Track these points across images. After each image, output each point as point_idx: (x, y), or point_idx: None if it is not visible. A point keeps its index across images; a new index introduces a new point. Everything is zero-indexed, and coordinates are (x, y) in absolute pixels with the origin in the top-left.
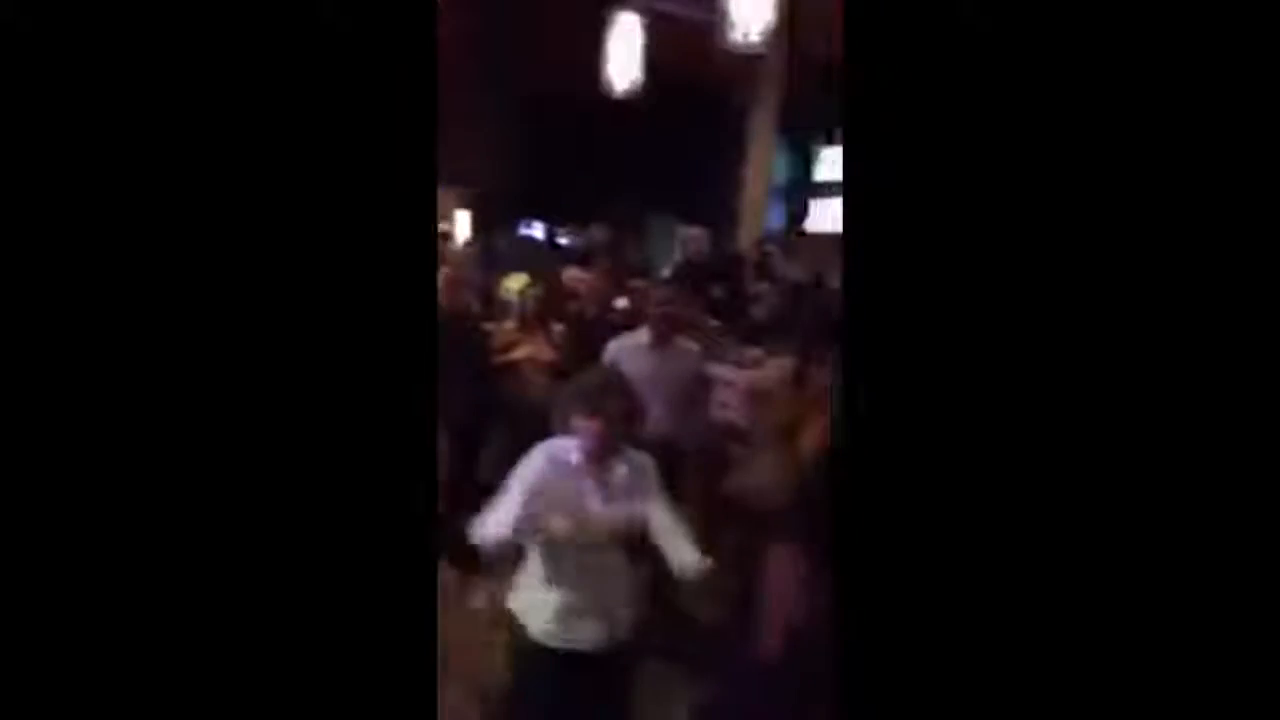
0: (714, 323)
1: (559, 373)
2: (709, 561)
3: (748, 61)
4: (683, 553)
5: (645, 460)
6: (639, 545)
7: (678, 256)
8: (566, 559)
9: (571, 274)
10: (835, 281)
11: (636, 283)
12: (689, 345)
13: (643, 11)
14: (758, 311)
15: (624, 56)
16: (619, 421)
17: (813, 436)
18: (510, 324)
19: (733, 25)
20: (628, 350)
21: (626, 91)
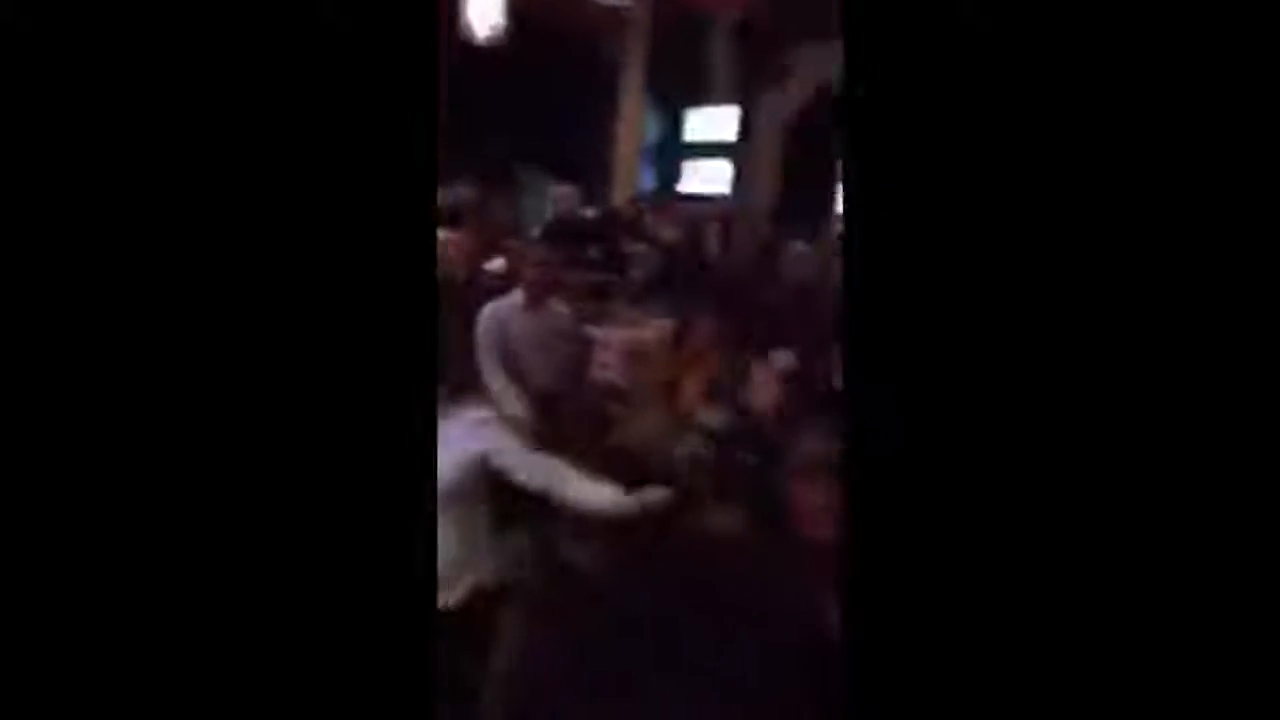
0: (591, 279)
1: None
2: (615, 497)
3: (614, 13)
4: (585, 490)
5: (485, 418)
6: (500, 502)
7: (549, 215)
8: None
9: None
10: (710, 242)
11: (508, 243)
12: (563, 307)
13: None
14: (634, 273)
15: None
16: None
17: (691, 396)
18: None
19: None
20: (503, 313)
21: (488, 38)
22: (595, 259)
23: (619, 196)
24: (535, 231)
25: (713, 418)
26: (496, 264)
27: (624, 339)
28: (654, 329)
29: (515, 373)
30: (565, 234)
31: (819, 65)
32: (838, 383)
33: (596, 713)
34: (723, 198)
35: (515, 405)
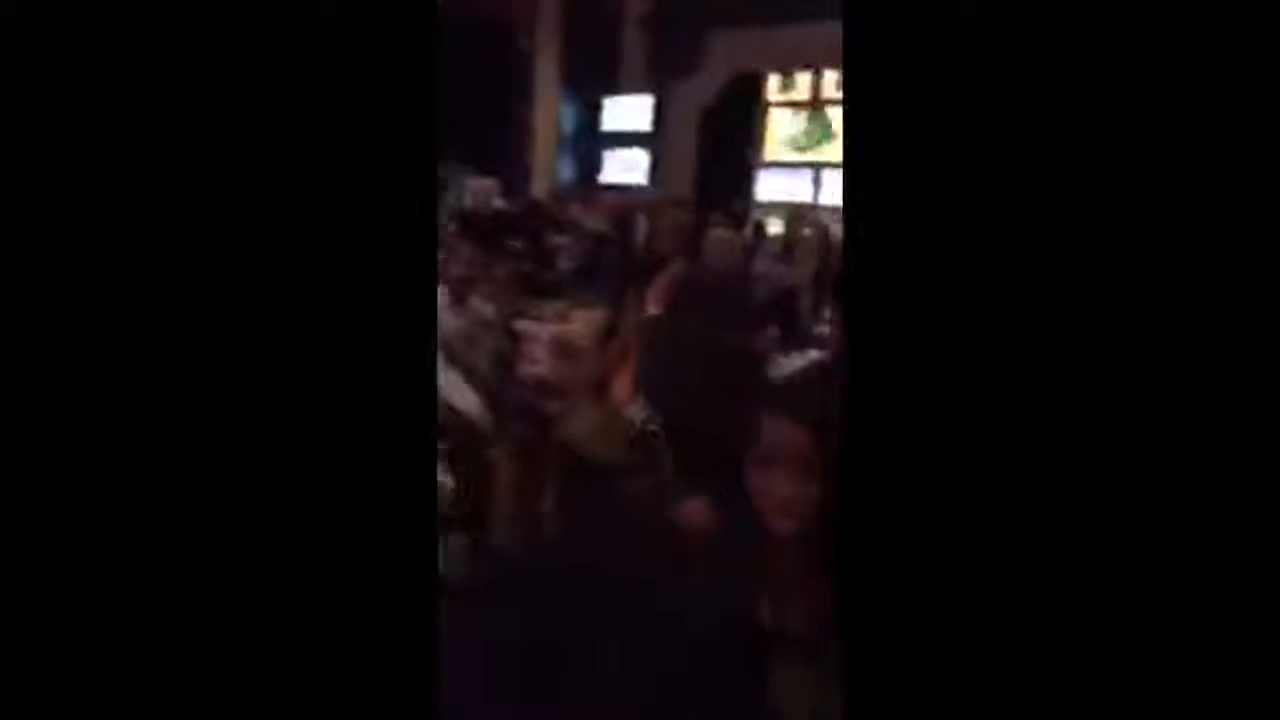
0: (518, 272)
1: None
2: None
3: (527, 1)
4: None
5: None
6: None
7: (467, 208)
8: None
9: None
10: (638, 233)
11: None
12: (486, 302)
13: None
14: (561, 264)
15: None
16: None
17: (624, 386)
18: None
19: None
20: None
21: None
22: (521, 252)
23: (538, 188)
24: (451, 226)
25: (644, 411)
26: None
27: (552, 333)
28: (582, 321)
29: (456, 367)
30: (481, 227)
31: (732, 53)
32: (784, 365)
33: (513, 708)
34: (643, 187)
35: (464, 397)
